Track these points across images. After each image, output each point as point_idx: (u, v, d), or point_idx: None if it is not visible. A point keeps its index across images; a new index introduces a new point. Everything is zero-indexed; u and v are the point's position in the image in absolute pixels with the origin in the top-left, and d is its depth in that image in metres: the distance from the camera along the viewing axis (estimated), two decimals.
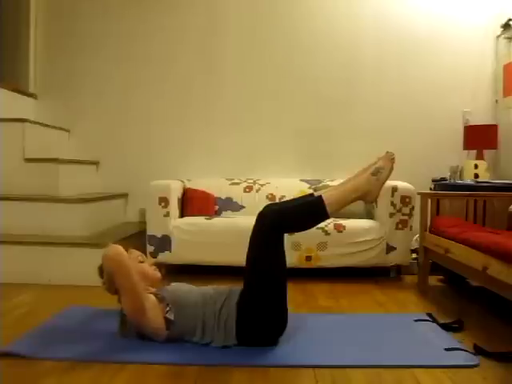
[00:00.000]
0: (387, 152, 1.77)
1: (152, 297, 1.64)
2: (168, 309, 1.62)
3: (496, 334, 1.83)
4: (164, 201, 2.82)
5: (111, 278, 1.61)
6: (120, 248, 1.60)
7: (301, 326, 1.85)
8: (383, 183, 1.73)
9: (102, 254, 1.62)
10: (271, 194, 3.22)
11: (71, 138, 3.61)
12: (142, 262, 1.80)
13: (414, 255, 2.93)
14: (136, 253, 1.82)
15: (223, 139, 3.53)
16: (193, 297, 1.68)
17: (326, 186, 3.03)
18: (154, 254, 2.80)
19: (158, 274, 1.81)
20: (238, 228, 2.71)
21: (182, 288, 1.75)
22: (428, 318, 1.95)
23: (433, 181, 3.12)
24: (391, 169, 1.74)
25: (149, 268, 1.79)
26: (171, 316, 1.61)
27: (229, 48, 3.52)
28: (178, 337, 1.64)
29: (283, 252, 1.67)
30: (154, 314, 1.61)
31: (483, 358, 1.55)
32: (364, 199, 1.73)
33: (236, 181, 3.32)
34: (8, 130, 3.04)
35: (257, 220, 1.65)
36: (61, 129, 3.51)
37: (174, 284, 1.82)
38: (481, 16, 3.41)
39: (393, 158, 1.75)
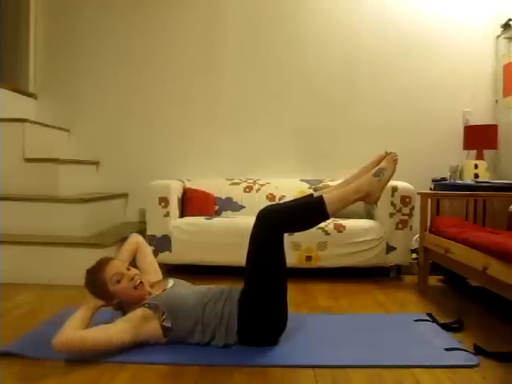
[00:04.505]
0: (390, 152, 1.74)
1: (143, 311, 1.61)
2: (164, 317, 1.61)
3: (496, 333, 1.83)
4: (164, 201, 2.82)
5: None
6: (64, 336, 1.46)
7: (301, 326, 1.85)
8: (385, 184, 1.70)
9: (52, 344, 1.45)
10: (271, 194, 3.22)
11: (71, 137, 3.61)
12: (128, 270, 1.71)
13: (414, 255, 2.93)
14: (115, 269, 1.67)
15: (223, 139, 3.53)
16: (192, 298, 1.68)
17: (327, 186, 3.03)
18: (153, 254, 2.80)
19: (143, 291, 1.71)
20: (238, 228, 2.71)
21: (179, 290, 1.74)
22: (428, 318, 1.95)
23: (433, 181, 3.12)
24: (394, 170, 1.72)
25: (127, 288, 1.67)
26: (168, 323, 1.61)
27: (229, 48, 3.52)
28: (178, 340, 1.64)
29: (283, 251, 1.66)
30: (149, 328, 1.60)
31: (483, 358, 1.55)
32: (365, 200, 1.70)
33: (236, 181, 3.32)
34: (8, 130, 3.04)
35: (257, 219, 1.64)
36: (61, 129, 3.51)
37: (171, 282, 1.82)
38: (481, 16, 3.41)
39: (395, 159, 1.72)
